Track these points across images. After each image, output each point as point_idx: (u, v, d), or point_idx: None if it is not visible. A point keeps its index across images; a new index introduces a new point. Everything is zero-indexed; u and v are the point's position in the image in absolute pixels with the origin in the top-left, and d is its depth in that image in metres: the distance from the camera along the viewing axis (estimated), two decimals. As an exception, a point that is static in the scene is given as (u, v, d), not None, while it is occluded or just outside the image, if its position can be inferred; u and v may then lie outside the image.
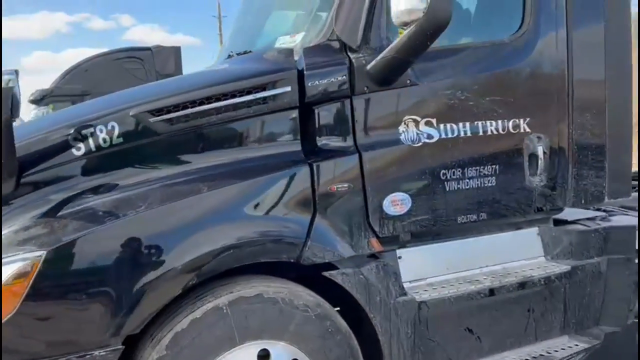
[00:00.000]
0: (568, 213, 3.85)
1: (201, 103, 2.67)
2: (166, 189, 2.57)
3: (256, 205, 2.66)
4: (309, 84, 2.77)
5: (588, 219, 3.85)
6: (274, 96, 2.77)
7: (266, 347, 2.62)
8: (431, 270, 3.18)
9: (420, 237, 3.16)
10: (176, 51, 13.92)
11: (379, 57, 2.74)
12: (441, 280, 3.18)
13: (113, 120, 2.61)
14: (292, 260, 2.68)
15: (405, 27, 2.57)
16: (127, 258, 2.40)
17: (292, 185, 2.73)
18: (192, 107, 2.65)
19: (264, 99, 2.76)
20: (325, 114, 2.84)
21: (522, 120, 3.20)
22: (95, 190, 2.55)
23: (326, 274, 2.77)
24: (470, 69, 3.14)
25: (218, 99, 2.69)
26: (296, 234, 2.69)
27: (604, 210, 4.34)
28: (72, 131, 2.61)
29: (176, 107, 2.65)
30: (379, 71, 2.78)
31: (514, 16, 3.26)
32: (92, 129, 2.59)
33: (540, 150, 3.23)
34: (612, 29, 3.38)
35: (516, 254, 3.43)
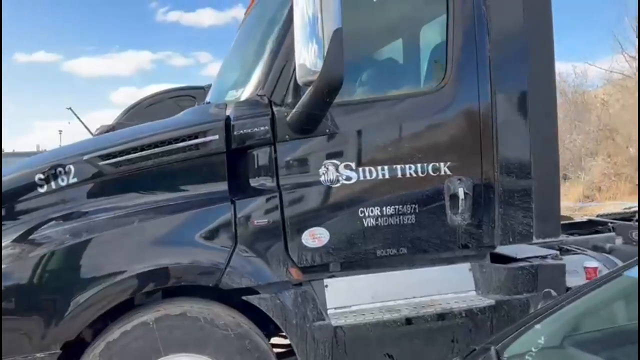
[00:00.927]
0: (522, 250, 4.03)
1: (142, 149, 3.18)
2: (107, 222, 3.07)
3: (181, 237, 3.12)
4: (235, 133, 3.22)
5: (537, 256, 4.01)
6: (205, 143, 3.23)
7: (189, 360, 3.04)
8: (357, 298, 3.49)
9: (351, 268, 3.48)
10: (226, 90, 14.86)
11: (293, 111, 3.15)
12: (365, 308, 3.46)
13: (71, 164, 3.16)
14: (210, 285, 3.10)
15: (308, 86, 2.96)
16: (64, 279, 2.93)
17: (215, 219, 3.17)
18: (134, 152, 3.17)
19: (197, 145, 3.23)
20: (250, 158, 3.27)
21: (442, 164, 3.48)
22: (51, 222, 3.09)
23: (245, 297, 3.16)
24: (390, 118, 3.47)
25: (157, 145, 3.19)
26: (215, 262, 3.11)
27: (562, 249, 4.45)
28: (40, 172, 3.18)
29: (121, 153, 3.17)
30: (295, 122, 3.19)
31: (436, 68, 3.58)
32: (53, 171, 3.15)
33: (461, 192, 3.46)
34: (536, 79, 3.62)
35: (447, 287, 3.66)
